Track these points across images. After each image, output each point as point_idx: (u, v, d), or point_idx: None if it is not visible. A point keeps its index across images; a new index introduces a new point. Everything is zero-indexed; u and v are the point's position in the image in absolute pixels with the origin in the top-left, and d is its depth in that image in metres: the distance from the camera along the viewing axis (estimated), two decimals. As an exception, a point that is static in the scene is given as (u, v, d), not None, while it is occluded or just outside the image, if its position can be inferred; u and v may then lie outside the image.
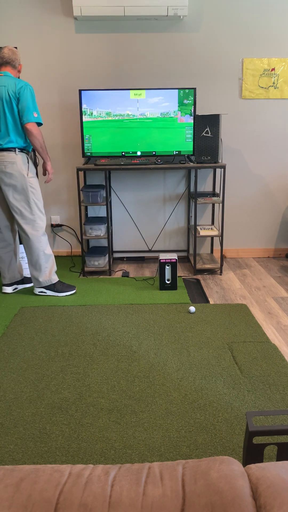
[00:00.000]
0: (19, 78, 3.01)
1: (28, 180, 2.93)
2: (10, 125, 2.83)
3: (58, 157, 3.92)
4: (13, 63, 2.90)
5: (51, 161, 3.35)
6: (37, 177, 3.12)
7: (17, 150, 2.88)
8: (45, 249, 3.06)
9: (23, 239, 3.06)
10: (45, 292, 3.16)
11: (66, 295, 3.17)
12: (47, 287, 3.14)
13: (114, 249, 4.17)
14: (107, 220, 3.55)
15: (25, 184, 2.92)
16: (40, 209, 3.03)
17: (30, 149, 2.99)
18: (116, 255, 4.18)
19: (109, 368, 2.21)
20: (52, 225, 4.09)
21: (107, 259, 3.75)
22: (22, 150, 2.92)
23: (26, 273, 3.49)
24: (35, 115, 2.84)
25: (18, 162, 2.89)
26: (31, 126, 2.83)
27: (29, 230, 3.00)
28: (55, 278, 3.15)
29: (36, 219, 3.01)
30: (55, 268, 3.15)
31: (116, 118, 3.51)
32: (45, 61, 3.71)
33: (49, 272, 3.12)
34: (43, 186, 4.02)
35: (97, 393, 2.01)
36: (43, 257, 3.06)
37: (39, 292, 3.17)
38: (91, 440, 1.70)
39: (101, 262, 3.70)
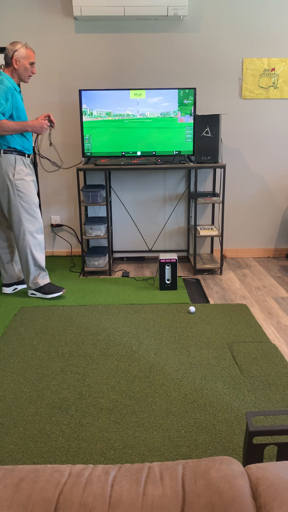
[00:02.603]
0: (12, 71, 2.86)
1: (14, 183, 2.86)
2: None
3: (58, 157, 3.92)
4: (6, 59, 2.82)
5: (32, 125, 2.86)
6: (34, 178, 3.02)
7: (1, 151, 2.83)
8: (34, 253, 3.01)
9: (14, 241, 3.02)
10: (35, 294, 3.15)
11: (52, 297, 3.14)
12: (36, 289, 3.14)
13: (114, 249, 4.17)
14: (107, 220, 3.55)
15: (11, 186, 2.86)
16: (29, 213, 2.93)
17: (23, 150, 2.90)
18: (116, 255, 4.18)
19: (109, 368, 2.21)
20: (52, 225, 4.09)
21: (107, 259, 3.75)
22: (9, 151, 2.83)
23: None
24: None
25: (3, 163, 2.83)
26: None
27: (16, 233, 2.97)
28: (42, 282, 3.11)
29: (24, 222, 2.93)
30: (44, 272, 3.11)
31: (116, 118, 3.51)
32: (45, 61, 3.70)
33: (37, 276, 3.09)
34: (43, 185, 4.02)
35: (97, 393, 2.01)
36: (31, 261, 3.02)
37: (30, 294, 3.16)
38: (91, 440, 1.70)
39: (101, 262, 3.70)
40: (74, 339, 2.53)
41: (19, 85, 2.95)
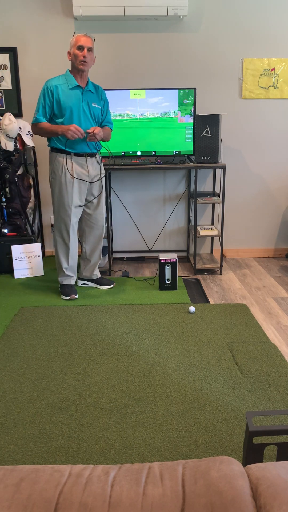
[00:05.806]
0: (71, 64, 2.85)
1: (50, 180, 3.00)
2: None
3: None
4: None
5: (61, 130, 2.76)
6: (83, 178, 2.97)
7: (50, 149, 2.97)
8: (59, 253, 3.11)
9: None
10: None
11: (64, 299, 3.13)
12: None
13: (114, 249, 4.17)
14: (107, 220, 3.55)
15: (50, 183, 3.03)
16: (57, 213, 3.01)
17: (63, 148, 2.89)
18: (116, 255, 4.18)
19: (109, 368, 2.21)
20: (52, 225, 4.09)
21: (107, 259, 3.75)
22: (54, 149, 2.93)
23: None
24: (34, 115, 2.87)
25: (49, 160, 3.00)
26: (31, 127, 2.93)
27: None
28: (61, 281, 3.19)
29: (54, 221, 3.08)
30: (62, 272, 3.17)
31: (116, 118, 3.51)
32: (45, 61, 3.70)
33: (59, 273, 3.20)
34: (43, 185, 4.01)
35: (97, 393, 2.01)
36: (56, 258, 3.17)
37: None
38: (91, 440, 1.70)
39: (101, 262, 3.69)
40: (74, 339, 2.53)
41: (81, 80, 2.86)
